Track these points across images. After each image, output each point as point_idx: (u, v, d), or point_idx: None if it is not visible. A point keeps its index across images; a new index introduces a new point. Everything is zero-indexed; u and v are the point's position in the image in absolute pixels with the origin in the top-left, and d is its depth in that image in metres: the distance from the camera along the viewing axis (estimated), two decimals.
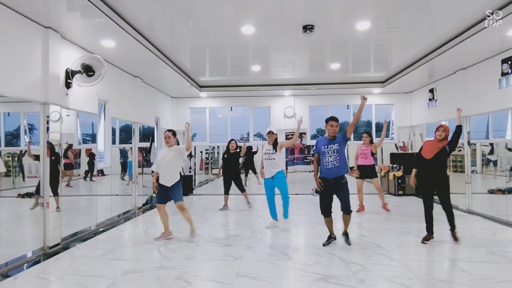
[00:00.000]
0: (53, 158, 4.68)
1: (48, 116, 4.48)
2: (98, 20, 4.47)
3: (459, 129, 4.39)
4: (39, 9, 4.08)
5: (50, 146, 4.54)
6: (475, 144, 7.75)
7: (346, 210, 4.29)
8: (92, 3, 3.95)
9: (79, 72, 4.83)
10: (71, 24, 4.63)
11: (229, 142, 7.25)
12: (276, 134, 5.57)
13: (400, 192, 8.81)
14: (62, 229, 4.69)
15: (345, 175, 4.28)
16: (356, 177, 6.69)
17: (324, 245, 4.36)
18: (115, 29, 4.73)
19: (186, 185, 9.40)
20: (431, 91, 8.52)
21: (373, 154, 6.62)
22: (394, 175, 8.97)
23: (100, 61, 4.89)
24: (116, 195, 7.30)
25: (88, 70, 4.85)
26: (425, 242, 4.42)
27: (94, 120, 6.02)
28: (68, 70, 4.82)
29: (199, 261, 3.91)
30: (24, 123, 5.83)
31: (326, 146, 4.26)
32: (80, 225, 5.51)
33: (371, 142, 6.69)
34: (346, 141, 4.28)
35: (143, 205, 7.73)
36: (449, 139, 4.42)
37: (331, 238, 4.44)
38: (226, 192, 7.14)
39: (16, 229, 5.52)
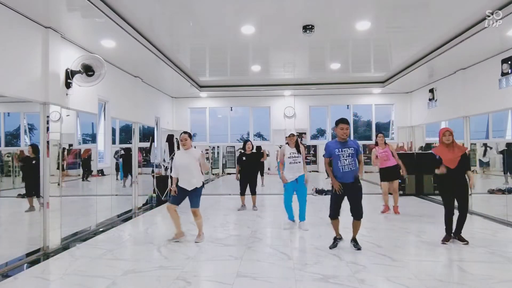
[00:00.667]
0: (33, 162, 4.68)
1: (48, 116, 4.48)
2: (98, 20, 4.48)
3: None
4: (39, 9, 4.09)
5: (34, 147, 4.53)
6: (475, 144, 7.77)
7: (358, 215, 4.16)
8: (92, 3, 3.95)
9: (79, 72, 4.83)
10: (71, 24, 4.63)
11: (245, 143, 7.14)
12: (297, 135, 5.47)
13: (400, 192, 8.78)
14: (62, 229, 4.68)
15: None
16: (381, 180, 6.52)
17: (331, 247, 4.25)
18: (115, 29, 4.73)
19: None
20: (431, 91, 8.52)
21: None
22: None
23: (100, 61, 4.89)
24: (116, 195, 7.31)
25: (88, 70, 4.85)
26: (445, 242, 4.39)
27: (94, 120, 6.02)
28: (68, 70, 4.82)
29: (199, 261, 3.91)
30: (24, 123, 5.84)
31: (340, 149, 4.13)
32: (80, 225, 5.50)
33: (385, 143, 6.49)
34: (357, 153, 4.19)
35: (143, 205, 7.73)
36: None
37: (337, 240, 4.36)
38: (243, 193, 7.06)
39: (16, 229, 5.52)
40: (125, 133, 7.93)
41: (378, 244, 4.44)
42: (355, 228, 4.26)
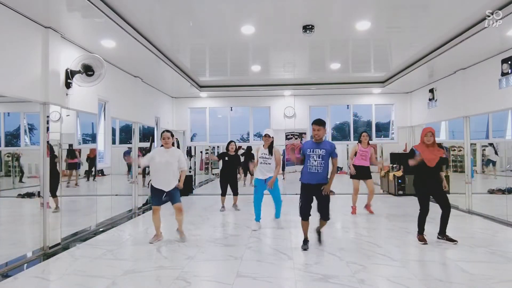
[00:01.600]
0: (55, 160, 4.70)
1: (48, 116, 4.48)
2: (98, 20, 4.48)
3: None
4: (39, 9, 4.08)
5: (50, 147, 4.54)
6: (475, 144, 7.76)
7: (325, 217, 4.24)
8: (92, 3, 3.95)
9: (79, 72, 4.83)
10: (71, 24, 4.63)
11: (229, 144, 7.16)
12: (272, 137, 5.42)
13: (400, 192, 8.82)
14: (62, 229, 4.68)
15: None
16: (351, 177, 6.66)
17: (305, 249, 4.22)
18: (115, 29, 4.73)
19: (186, 185, 9.40)
20: (431, 91, 8.52)
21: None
22: (394, 175, 8.97)
23: (100, 61, 4.89)
24: (116, 195, 7.30)
25: (87, 70, 4.85)
26: (426, 242, 4.43)
27: (94, 120, 6.02)
28: (68, 70, 4.82)
29: (199, 261, 3.91)
30: (24, 123, 5.83)
31: (311, 150, 4.12)
32: (80, 225, 5.51)
33: (368, 143, 6.66)
34: (331, 156, 4.16)
35: (143, 205, 7.73)
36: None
37: (307, 241, 4.33)
38: (223, 194, 7.10)
39: (16, 229, 5.52)
40: (125, 133, 7.93)
41: (378, 244, 4.44)
42: (321, 224, 4.38)
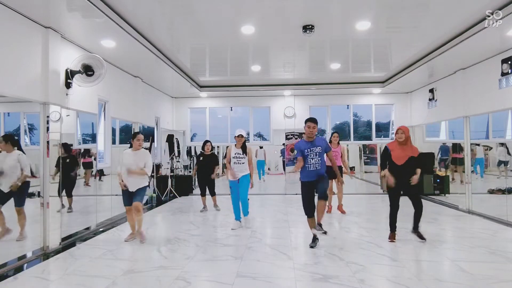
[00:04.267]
0: (67, 160, 4.75)
1: (48, 116, 4.48)
2: (98, 20, 4.48)
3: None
4: (39, 9, 4.08)
5: (65, 146, 4.64)
6: (478, 144, 7.74)
7: (323, 195, 4.18)
8: (92, 3, 3.95)
9: (79, 72, 4.83)
10: (71, 24, 4.63)
11: (204, 144, 7.07)
12: (245, 137, 5.53)
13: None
14: (62, 229, 4.69)
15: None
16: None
17: (311, 247, 4.31)
18: (115, 29, 4.73)
19: (186, 185, 9.42)
20: (431, 91, 8.52)
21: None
22: None
23: (100, 60, 4.89)
24: (116, 195, 7.29)
25: (87, 70, 4.85)
26: (393, 240, 4.51)
27: (94, 120, 6.03)
28: (68, 70, 4.82)
29: (199, 261, 3.91)
30: (24, 123, 5.83)
31: (309, 149, 4.25)
32: (80, 225, 5.51)
33: (339, 143, 6.58)
34: (325, 151, 4.36)
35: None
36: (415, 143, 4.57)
37: (316, 239, 4.39)
38: (203, 194, 7.07)
39: (16, 229, 5.51)
40: (125, 133, 7.93)
41: (378, 244, 4.44)
42: (320, 210, 4.20)
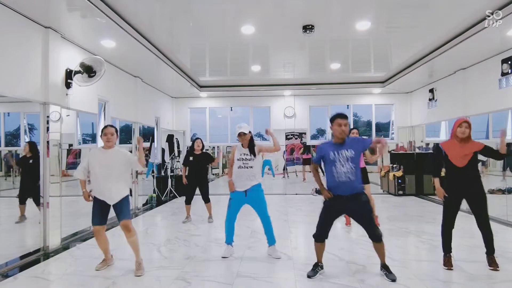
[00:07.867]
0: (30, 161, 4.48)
1: (48, 116, 4.48)
2: (98, 20, 4.48)
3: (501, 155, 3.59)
4: (39, 9, 4.09)
5: (31, 144, 4.36)
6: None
7: (376, 237, 3.23)
8: (92, 3, 3.95)
9: (79, 72, 4.83)
10: (71, 24, 4.63)
11: (194, 142, 5.94)
12: (250, 133, 3.98)
13: (400, 192, 8.81)
14: (62, 229, 4.68)
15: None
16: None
17: (309, 276, 3.33)
18: (115, 29, 4.74)
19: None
20: (431, 91, 8.52)
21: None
22: (394, 175, 8.96)
23: (101, 61, 4.88)
24: None
25: (89, 71, 4.84)
26: (450, 268, 3.49)
27: (94, 120, 6.02)
28: (68, 70, 4.82)
29: (199, 261, 3.91)
30: (24, 123, 5.83)
31: (336, 153, 3.18)
32: (80, 225, 5.50)
33: None
34: (363, 150, 3.35)
35: (143, 205, 7.73)
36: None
37: (318, 266, 3.42)
38: (188, 201, 5.90)
39: (16, 229, 5.52)
40: (125, 133, 7.93)
41: None
42: (380, 252, 3.30)
